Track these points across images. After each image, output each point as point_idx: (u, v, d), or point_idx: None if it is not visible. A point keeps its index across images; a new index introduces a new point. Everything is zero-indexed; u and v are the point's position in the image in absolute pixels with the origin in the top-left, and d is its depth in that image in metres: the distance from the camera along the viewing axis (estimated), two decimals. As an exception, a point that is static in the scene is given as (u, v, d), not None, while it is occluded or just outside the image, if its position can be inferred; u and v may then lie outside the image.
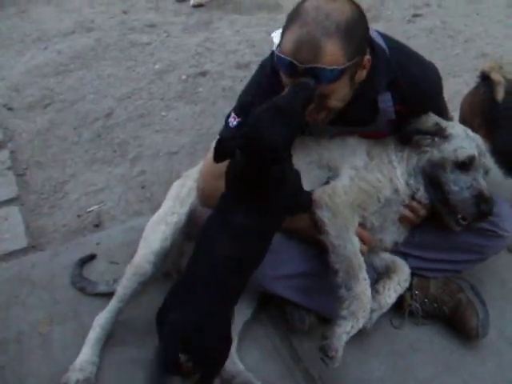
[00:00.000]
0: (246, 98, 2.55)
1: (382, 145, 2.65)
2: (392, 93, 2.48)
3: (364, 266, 2.42)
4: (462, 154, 2.46)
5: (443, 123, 2.54)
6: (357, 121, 2.56)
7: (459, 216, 2.50)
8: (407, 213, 2.61)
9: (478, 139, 2.54)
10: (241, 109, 2.52)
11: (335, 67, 2.13)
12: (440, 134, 2.52)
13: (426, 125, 2.53)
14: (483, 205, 2.42)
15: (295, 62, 2.14)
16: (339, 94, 2.27)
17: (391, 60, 2.43)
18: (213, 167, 2.33)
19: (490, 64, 3.18)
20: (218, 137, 2.26)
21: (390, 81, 2.45)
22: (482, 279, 2.89)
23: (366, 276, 2.41)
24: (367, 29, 2.27)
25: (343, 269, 2.39)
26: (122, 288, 2.62)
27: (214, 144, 2.29)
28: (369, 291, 2.39)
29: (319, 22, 2.11)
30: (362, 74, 2.31)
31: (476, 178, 2.45)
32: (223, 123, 2.58)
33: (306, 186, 2.43)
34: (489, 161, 2.53)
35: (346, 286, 2.38)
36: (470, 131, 2.59)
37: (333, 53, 2.12)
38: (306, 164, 2.59)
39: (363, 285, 2.38)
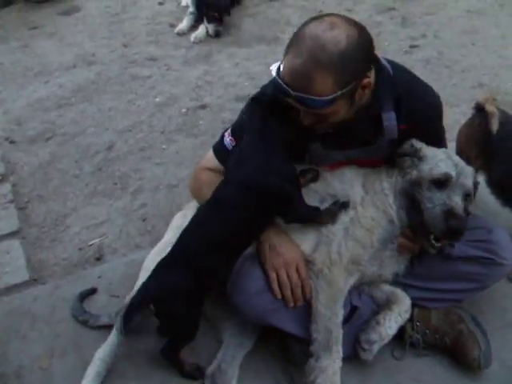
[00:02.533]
0: (242, 119, 2.64)
1: (375, 173, 2.68)
2: (396, 112, 2.51)
3: (341, 338, 2.45)
4: (437, 171, 2.47)
5: (418, 144, 2.57)
6: (360, 140, 2.59)
7: (432, 236, 2.48)
8: (404, 241, 2.61)
9: (460, 162, 2.55)
10: (236, 130, 2.66)
11: (324, 98, 2.18)
12: (415, 154, 2.55)
13: (404, 146, 2.57)
14: (452, 220, 2.38)
15: (288, 88, 2.20)
16: (337, 115, 2.33)
17: (395, 79, 2.47)
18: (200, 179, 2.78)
19: (485, 95, 3.22)
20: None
21: (394, 100, 2.49)
22: (482, 309, 2.90)
23: (340, 349, 2.45)
24: (370, 49, 2.30)
25: (321, 339, 2.43)
26: (122, 319, 2.61)
27: (210, 153, 2.72)
28: (338, 363, 2.43)
29: (313, 53, 2.14)
30: (364, 93, 2.35)
31: (450, 196, 2.44)
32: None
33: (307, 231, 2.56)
34: (468, 182, 2.51)
35: (316, 357, 2.42)
36: (452, 154, 2.62)
37: (323, 84, 2.17)
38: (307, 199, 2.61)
39: (334, 358, 2.42)
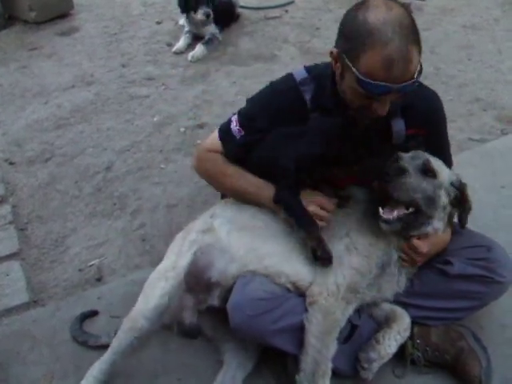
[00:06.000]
0: (253, 111, 2.66)
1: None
2: (405, 118, 2.54)
3: (329, 373, 2.42)
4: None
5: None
6: (369, 149, 2.58)
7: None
8: (404, 256, 2.61)
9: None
10: (246, 120, 2.66)
11: (419, 75, 2.25)
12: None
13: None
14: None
15: (389, 84, 2.19)
16: None
17: None
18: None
19: None
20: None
21: (403, 107, 2.51)
22: (482, 325, 2.90)
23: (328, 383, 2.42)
24: None
25: (308, 370, 2.41)
26: (118, 341, 2.63)
27: (214, 134, 2.76)
28: None
29: (398, 34, 2.15)
30: None
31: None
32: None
33: (303, 259, 2.57)
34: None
35: None
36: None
37: (417, 61, 2.22)
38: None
39: None
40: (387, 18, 2.17)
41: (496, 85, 5.48)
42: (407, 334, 2.63)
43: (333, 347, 2.44)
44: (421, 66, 2.28)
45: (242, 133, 2.65)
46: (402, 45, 2.15)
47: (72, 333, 2.97)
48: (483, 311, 2.85)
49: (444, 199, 2.53)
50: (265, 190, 2.63)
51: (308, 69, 2.65)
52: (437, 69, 5.77)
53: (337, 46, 2.36)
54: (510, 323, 2.95)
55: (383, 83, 2.19)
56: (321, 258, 2.49)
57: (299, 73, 2.63)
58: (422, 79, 2.33)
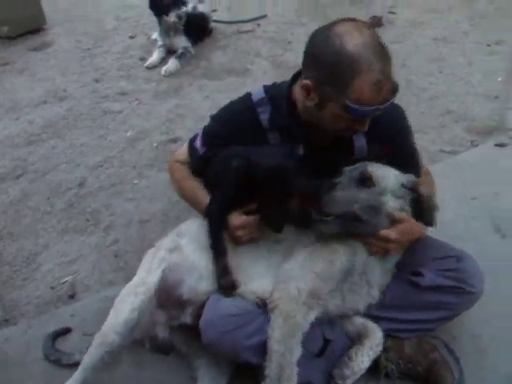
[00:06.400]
0: (214, 129, 2.73)
1: None
2: (369, 133, 2.55)
3: (294, 377, 2.40)
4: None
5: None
6: (331, 165, 2.60)
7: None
8: (373, 248, 2.59)
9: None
10: (207, 137, 2.74)
11: (398, 89, 2.30)
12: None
13: None
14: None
15: (378, 106, 2.25)
16: None
17: None
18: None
19: None
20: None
21: None
22: (454, 335, 2.92)
23: None
24: None
25: (273, 376, 2.39)
26: (89, 357, 2.60)
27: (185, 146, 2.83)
28: None
29: (378, 56, 2.21)
30: None
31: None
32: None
33: (267, 272, 2.59)
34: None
35: None
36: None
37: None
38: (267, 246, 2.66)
39: None
40: (364, 42, 2.21)
41: (466, 97, 5.54)
42: (380, 348, 2.63)
43: (297, 352, 2.41)
44: None
45: (204, 148, 2.74)
46: (384, 65, 2.21)
47: (44, 351, 2.94)
48: (455, 322, 2.86)
49: (392, 203, 2.52)
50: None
51: (266, 88, 2.68)
52: (408, 81, 5.82)
53: (308, 77, 2.37)
54: (482, 333, 2.97)
55: (373, 107, 2.25)
56: (222, 287, 2.56)
57: (257, 93, 2.67)
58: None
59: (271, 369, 2.39)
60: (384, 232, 2.51)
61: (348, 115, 2.31)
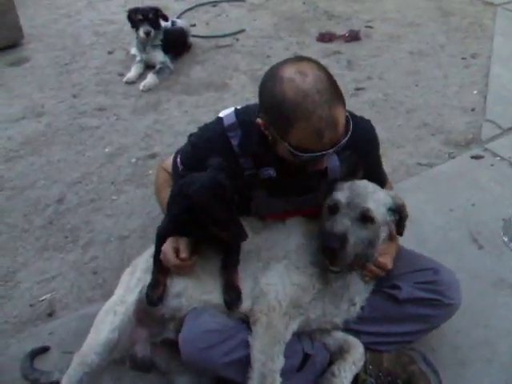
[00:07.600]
0: (188, 151, 2.74)
1: (316, 221, 2.69)
2: (340, 155, 2.56)
3: None
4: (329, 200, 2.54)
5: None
6: (303, 186, 2.64)
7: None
8: (367, 274, 2.66)
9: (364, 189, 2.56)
10: (183, 158, 2.76)
11: (349, 129, 2.28)
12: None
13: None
14: (325, 238, 2.44)
15: (323, 152, 2.24)
16: None
17: None
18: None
19: None
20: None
21: None
22: (434, 347, 2.95)
23: None
24: None
25: None
26: (67, 377, 2.58)
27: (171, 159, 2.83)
28: None
29: (319, 102, 2.16)
30: None
31: (337, 219, 2.46)
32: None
33: (245, 279, 2.59)
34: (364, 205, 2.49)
35: None
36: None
37: (343, 117, 2.24)
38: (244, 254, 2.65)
39: None
40: (304, 88, 2.17)
41: (442, 109, 5.59)
42: (361, 363, 2.66)
43: (279, 361, 2.42)
44: (347, 117, 2.30)
45: (182, 167, 2.74)
46: (325, 112, 2.17)
47: (22, 371, 2.90)
48: (435, 333, 2.90)
49: (385, 232, 2.59)
50: None
51: (237, 112, 2.67)
52: (385, 95, 5.86)
53: (261, 117, 2.38)
54: (462, 344, 3.00)
55: (317, 153, 2.25)
56: (148, 297, 2.59)
57: (228, 118, 2.65)
58: (370, 106, 2.38)
59: (253, 379, 2.40)
60: (383, 261, 2.61)
61: (295, 159, 2.33)
